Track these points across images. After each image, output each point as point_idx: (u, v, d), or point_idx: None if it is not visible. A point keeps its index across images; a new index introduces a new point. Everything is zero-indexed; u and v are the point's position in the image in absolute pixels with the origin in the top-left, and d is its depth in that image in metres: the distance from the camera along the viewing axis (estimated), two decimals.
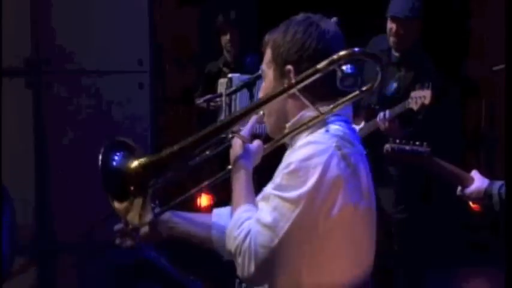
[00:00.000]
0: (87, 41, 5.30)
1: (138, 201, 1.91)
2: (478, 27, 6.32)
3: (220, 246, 2.05)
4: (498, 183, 2.83)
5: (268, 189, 1.88)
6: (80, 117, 5.39)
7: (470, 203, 3.03)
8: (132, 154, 1.97)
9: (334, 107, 1.92)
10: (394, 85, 4.32)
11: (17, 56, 5.29)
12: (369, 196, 1.90)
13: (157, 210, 2.03)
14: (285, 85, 1.93)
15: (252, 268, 1.78)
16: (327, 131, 1.88)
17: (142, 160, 1.95)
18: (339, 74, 1.88)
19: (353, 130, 1.96)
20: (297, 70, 1.92)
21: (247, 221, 1.83)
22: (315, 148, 1.83)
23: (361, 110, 4.40)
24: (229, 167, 1.99)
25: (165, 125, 6.14)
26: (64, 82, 5.41)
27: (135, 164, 1.94)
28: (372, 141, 4.33)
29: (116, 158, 1.96)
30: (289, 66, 1.93)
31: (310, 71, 1.88)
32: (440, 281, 5.14)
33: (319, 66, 1.87)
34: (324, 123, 1.91)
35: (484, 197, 2.91)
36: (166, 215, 2.09)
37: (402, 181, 4.37)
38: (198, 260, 1.91)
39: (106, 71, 5.37)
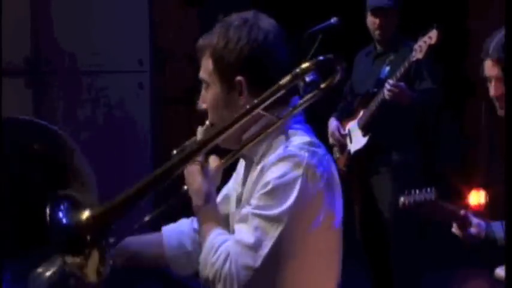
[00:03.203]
0: (87, 41, 5.30)
1: (94, 255, 1.74)
2: (478, 27, 6.32)
3: (173, 261, 2.09)
4: (497, 225, 2.81)
5: (245, 209, 1.81)
6: (80, 117, 5.39)
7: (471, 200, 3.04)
8: (79, 205, 1.78)
9: (293, 109, 1.85)
10: (387, 68, 4.34)
11: (17, 56, 5.29)
12: (339, 203, 1.87)
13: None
14: (239, 98, 1.84)
15: None
16: (290, 141, 1.82)
17: (94, 209, 1.76)
18: (301, 83, 1.81)
19: (315, 135, 1.90)
20: (248, 80, 1.84)
21: (224, 244, 1.77)
22: (288, 163, 1.77)
23: (357, 103, 4.41)
24: (185, 187, 1.89)
25: (165, 125, 6.15)
26: (64, 82, 5.41)
27: (86, 214, 1.75)
28: (371, 129, 4.36)
29: (63, 211, 1.77)
30: (239, 78, 1.84)
31: (273, 88, 1.78)
32: (439, 281, 5.14)
33: (282, 82, 1.77)
34: (283, 130, 1.86)
35: (485, 240, 2.91)
36: (125, 248, 2.01)
37: (403, 170, 4.36)
38: None
39: (106, 71, 5.37)
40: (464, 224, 2.90)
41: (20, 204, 1.78)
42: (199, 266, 1.82)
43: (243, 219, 1.78)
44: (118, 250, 1.93)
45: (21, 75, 5.35)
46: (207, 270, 1.77)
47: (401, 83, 4.08)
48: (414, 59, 4.05)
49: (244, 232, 1.75)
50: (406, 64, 4.08)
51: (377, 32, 4.37)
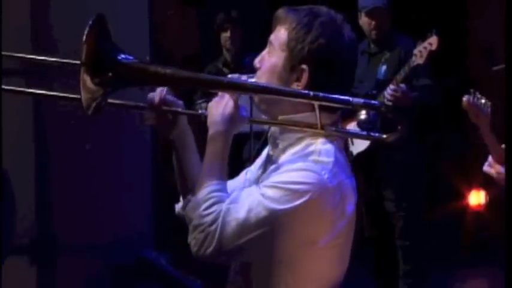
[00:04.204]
0: None
1: (100, 90, 1.93)
2: (478, 27, 6.32)
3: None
4: None
5: (253, 188, 1.85)
6: (80, 116, 5.37)
7: (471, 200, 3.05)
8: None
9: (337, 132, 1.88)
10: (384, 67, 4.37)
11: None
12: (351, 221, 1.89)
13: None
14: (296, 83, 1.86)
15: (209, 250, 1.78)
16: (319, 153, 1.83)
17: (133, 63, 1.95)
18: (363, 116, 1.87)
19: (343, 154, 1.91)
20: (311, 73, 1.85)
21: (219, 204, 1.80)
22: (306, 175, 1.79)
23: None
24: (202, 111, 1.96)
25: None
26: (64, 82, 5.40)
27: (132, 62, 1.93)
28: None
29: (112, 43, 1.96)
30: (304, 66, 1.86)
31: (342, 98, 1.81)
32: (440, 281, 5.14)
33: (354, 101, 1.80)
34: (318, 137, 1.87)
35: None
36: (187, 126, 2.05)
37: (405, 170, 4.37)
38: (198, 260, 1.91)
39: None
40: (498, 157, 2.93)
41: None
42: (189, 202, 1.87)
43: (248, 193, 1.82)
44: (184, 130, 2.03)
45: (21, 75, 5.35)
46: (194, 215, 1.81)
47: (402, 86, 4.10)
48: (415, 64, 4.08)
49: (240, 205, 1.79)
50: (407, 69, 4.11)
51: (373, 33, 4.39)
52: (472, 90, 3.17)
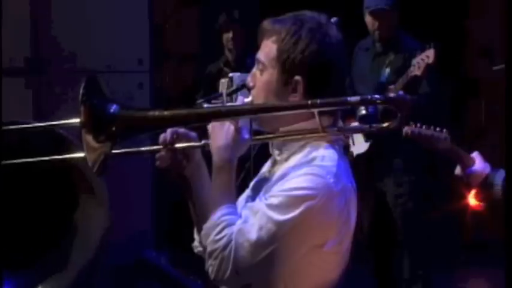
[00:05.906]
0: (87, 40, 5.29)
1: (106, 146, 1.85)
2: (478, 27, 6.32)
3: None
4: (502, 174, 2.83)
5: (260, 203, 1.84)
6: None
7: (471, 200, 3.06)
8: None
9: (340, 131, 1.88)
10: (387, 70, 4.37)
11: (17, 56, 5.28)
12: (354, 225, 1.90)
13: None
14: (292, 94, 1.85)
15: (227, 275, 1.78)
16: (322, 158, 1.83)
17: (131, 112, 1.89)
18: (362, 112, 1.85)
19: (345, 158, 1.91)
20: (306, 82, 1.85)
21: (230, 227, 1.80)
22: (312, 180, 1.78)
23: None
24: (205, 141, 1.92)
25: None
26: (64, 82, 5.40)
27: (131, 112, 1.88)
28: (372, 134, 4.36)
29: (107, 100, 1.88)
30: (298, 78, 1.85)
31: (339, 100, 1.81)
32: (440, 280, 5.14)
33: (351, 100, 1.79)
34: (321, 142, 1.87)
35: (484, 183, 2.93)
36: (200, 157, 2.00)
37: (404, 174, 4.39)
38: (198, 260, 1.91)
39: (106, 71, 5.37)
40: (466, 161, 2.95)
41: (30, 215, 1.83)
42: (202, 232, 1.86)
43: (255, 211, 1.81)
44: (198, 164, 1.98)
45: (21, 75, 5.35)
46: (207, 242, 1.82)
47: (400, 93, 4.11)
48: (412, 74, 4.10)
49: (250, 225, 1.79)
50: (405, 78, 4.13)
51: (377, 33, 4.40)
52: (411, 123, 3.19)
